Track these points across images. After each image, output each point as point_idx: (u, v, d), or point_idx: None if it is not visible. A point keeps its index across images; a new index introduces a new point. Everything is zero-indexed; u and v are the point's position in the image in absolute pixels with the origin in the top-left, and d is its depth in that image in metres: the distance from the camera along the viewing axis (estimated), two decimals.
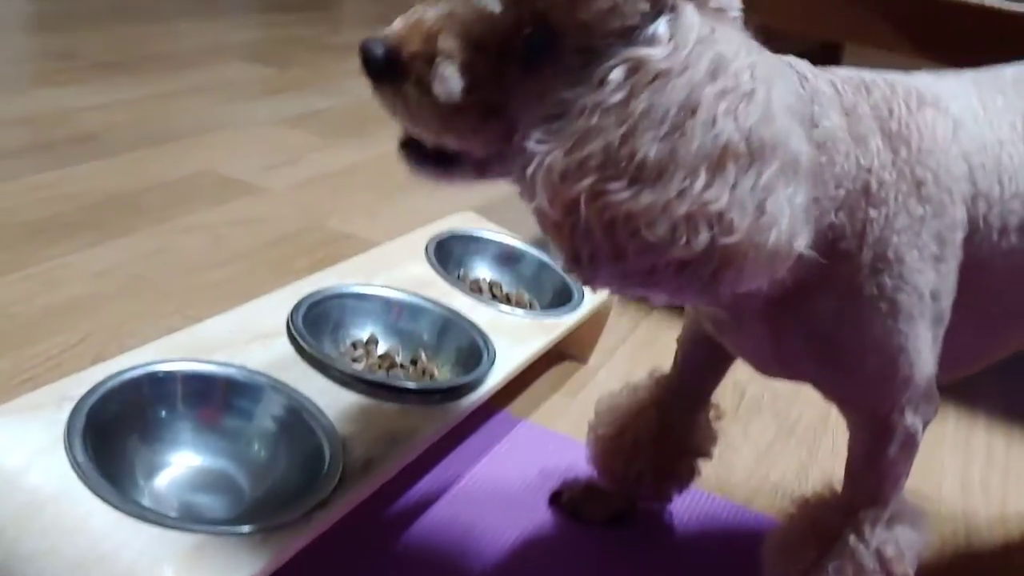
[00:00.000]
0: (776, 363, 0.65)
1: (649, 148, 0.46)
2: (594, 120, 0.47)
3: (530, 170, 0.49)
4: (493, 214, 1.20)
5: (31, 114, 1.68)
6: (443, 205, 1.26)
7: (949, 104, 0.62)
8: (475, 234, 1.09)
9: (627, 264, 0.48)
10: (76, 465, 0.58)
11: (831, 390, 0.66)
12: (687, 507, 0.89)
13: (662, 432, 0.82)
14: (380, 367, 0.84)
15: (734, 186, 0.47)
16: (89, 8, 2.58)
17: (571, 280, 1.05)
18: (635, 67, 0.48)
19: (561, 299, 1.02)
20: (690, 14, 0.49)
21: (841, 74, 0.60)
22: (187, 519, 0.63)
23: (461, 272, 1.05)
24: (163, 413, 0.68)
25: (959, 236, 0.60)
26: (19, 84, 1.84)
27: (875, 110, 0.58)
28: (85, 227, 1.28)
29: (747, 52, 0.49)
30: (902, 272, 0.57)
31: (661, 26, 0.48)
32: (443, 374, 0.86)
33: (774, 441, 1.05)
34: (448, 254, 1.04)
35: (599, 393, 0.88)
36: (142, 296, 1.13)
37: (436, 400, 0.77)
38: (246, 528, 0.57)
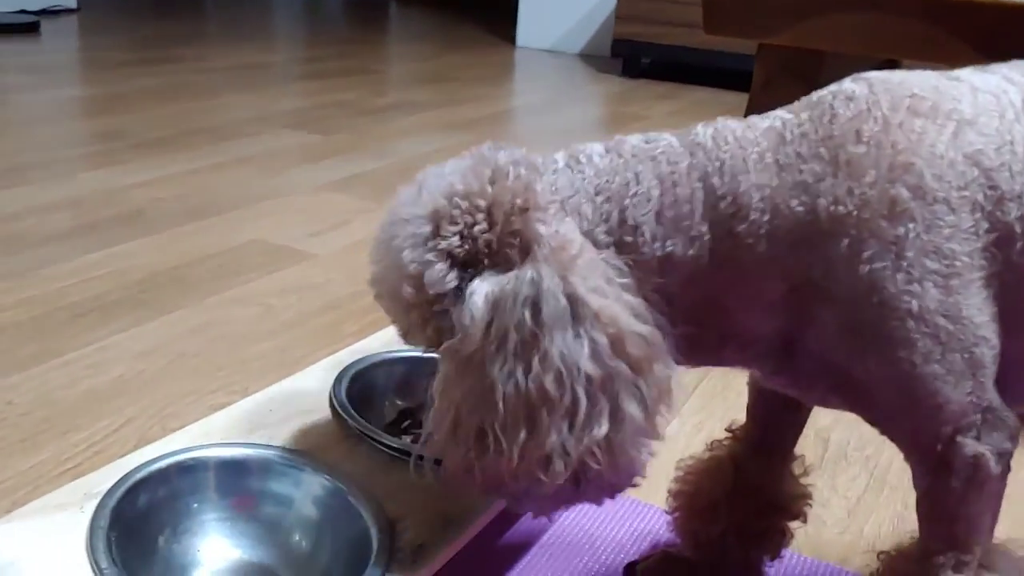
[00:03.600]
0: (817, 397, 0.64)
1: (471, 418, 0.53)
2: (437, 406, 0.55)
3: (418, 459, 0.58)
4: None
5: (78, 196, 1.68)
6: None
7: (957, 105, 0.56)
8: None
9: (536, 496, 0.54)
10: (99, 572, 0.53)
11: (871, 423, 0.61)
12: (776, 570, 0.81)
13: (740, 488, 0.74)
14: None
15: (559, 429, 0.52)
16: (134, 90, 2.61)
17: None
18: (448, 356, 0.54)
19: None
20: (478, 288, 0.53)
21: (816, 98, 0.59)
22: None
23: None
24: (195, 504, 0.63)
25: (973, 246, 0.54)
26: (66, 168, 1.85)
27: (830, 141, 0.55)
28: (131, 306, 1.25)
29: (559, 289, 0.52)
30: (883, 300, 0.53)
31: (458, 312, 0.54)
32: None
33: (865, 493, 0.96)
34: None
35: (670, 450, 0.81)
36: (187, 374, 1.09)
37: None
38: None
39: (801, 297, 0.56)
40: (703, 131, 0.58)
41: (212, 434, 0.68)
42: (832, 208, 0.54)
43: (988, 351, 0.55)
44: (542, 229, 0.53)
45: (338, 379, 0.77)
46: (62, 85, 2.65)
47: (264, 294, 1.34)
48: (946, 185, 0.54)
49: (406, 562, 0.60)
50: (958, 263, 0.53)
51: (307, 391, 0.76)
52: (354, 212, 1.73)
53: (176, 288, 1.33)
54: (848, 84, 0.59)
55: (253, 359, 1.14)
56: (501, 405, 0.52)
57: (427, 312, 0.55)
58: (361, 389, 0.78)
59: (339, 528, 0.63)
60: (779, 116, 0.58)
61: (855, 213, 0.54)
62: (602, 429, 0.52)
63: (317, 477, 0.65)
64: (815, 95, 0.59)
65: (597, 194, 0.56)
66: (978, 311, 0.54)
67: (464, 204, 0.54)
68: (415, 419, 0.80)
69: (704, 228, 0.56)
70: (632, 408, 0.53)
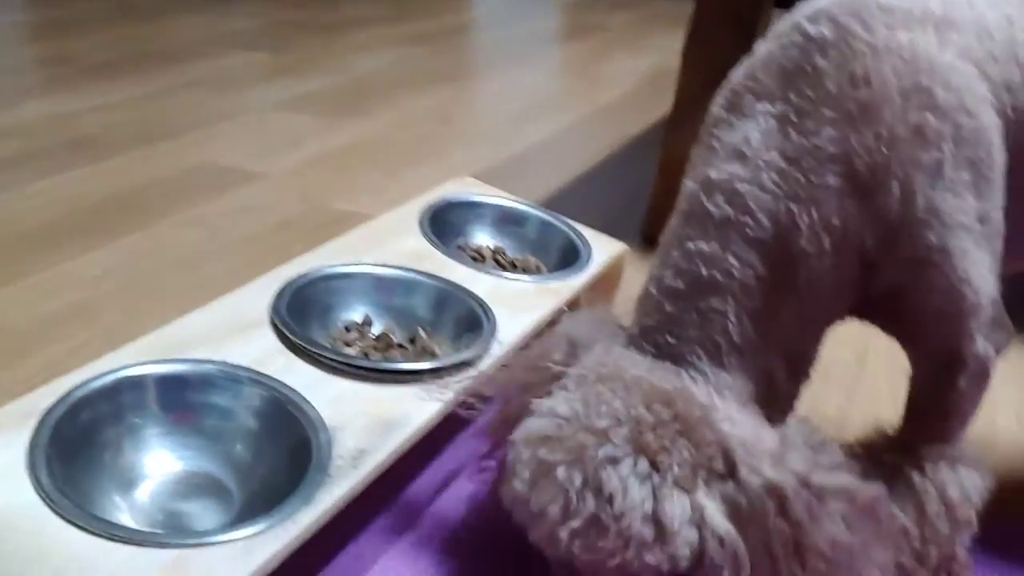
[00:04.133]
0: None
1: None
2: None
3: None
4: (493, 179, 1.15)
5: (27, 123, 1.65)
6: (449, 174, 1.21)
7: (926, 5, 0.55)
8: (472, 199, 1.04)
9: None
10: (39, 487, 0.54)
11: (896, 331, 0.62)
12: None
13: None
14: (376, 349, 0.79)
15: None
16: (81, 13, 2.55)
17: (578, 238, 0.99)
18: None
19: (568, 259, 0.97)
20: (708, 508, 0.49)
21: (792, 66, 0.54)
22: (171, 531, 0.59)
23: (461, 241, 1.00)
24: (137, 419, 0.64)
25: (994, 141, 0.55)
26: (14, 94, 1.81)
27: (831, 100, 0.53)
28: (84, 231, 1.25)
29: None
30: (943, 220, 0.54)
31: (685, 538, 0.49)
32: (445, 351, 0.81)
33: (806, 386, 0.99)
34: (445, 223, 0.99)
35: None
36: (138, 298, 1.09)
37: (433, 379, 0.72)
38: (222, 537, 0.53)
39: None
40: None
41: (153, 351, 0.69)
42: (868, 160, 0.53)
43: (1000, 242, 0.57)
44: (730, 428, 0.51)
45: (279, 294, 0.78)
46: (4, 10, 2.58)
47: (215, 215, 1.33)
48: (957, 93, 0.53)
49: (347, 468, 0.61)
50: (982, 167, 0.54)
51: (248, 307, 0.77)
52: (307, 131, 1.72)
53: (127, 213, 1.32)
54: (809, 28, 0.55)
55: (204, 281, 1.14)
56: None
57: (659, 558, 0.48)
58: (303, 303, 0.79)
59: (279, 437, 0.64)
60: (763, 111, 0.55)
61: (891, 155, 0.52)
62: None
63: (257, 389, 0.66)
64: (783, 62, 0.55)
65: None
66: (996, 208, 0.56)
67: (659, 429, 0.50)
68: (360, 332, 0.82)
69: None
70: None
